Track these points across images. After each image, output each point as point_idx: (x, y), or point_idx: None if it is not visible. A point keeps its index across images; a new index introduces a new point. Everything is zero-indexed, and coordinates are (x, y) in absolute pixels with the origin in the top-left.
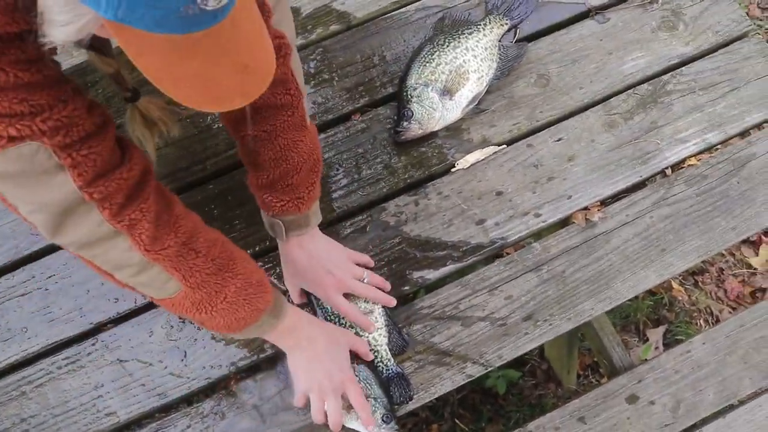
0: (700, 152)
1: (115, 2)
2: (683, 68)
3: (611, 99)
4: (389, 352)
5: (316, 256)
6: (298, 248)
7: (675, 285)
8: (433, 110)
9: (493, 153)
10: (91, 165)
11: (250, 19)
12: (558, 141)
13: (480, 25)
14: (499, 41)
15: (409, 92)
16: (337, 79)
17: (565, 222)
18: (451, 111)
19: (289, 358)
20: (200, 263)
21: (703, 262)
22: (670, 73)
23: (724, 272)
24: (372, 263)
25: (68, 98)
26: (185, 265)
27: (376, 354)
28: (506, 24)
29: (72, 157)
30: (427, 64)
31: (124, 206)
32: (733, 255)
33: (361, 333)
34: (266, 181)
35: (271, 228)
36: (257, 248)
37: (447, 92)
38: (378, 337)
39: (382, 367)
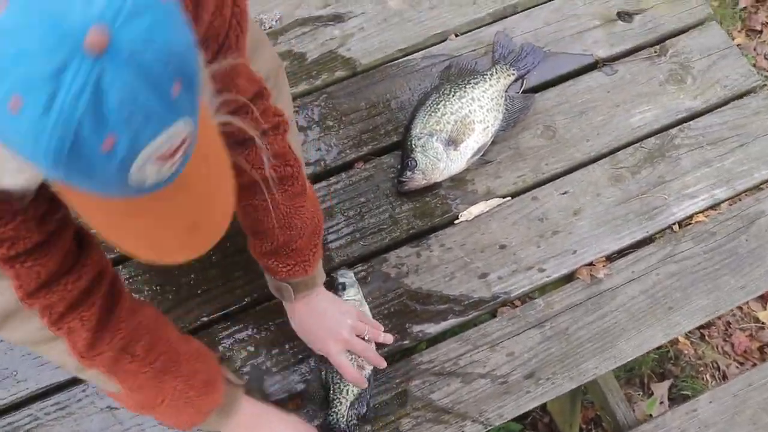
0: (708, 208)
1: (53, 170)
2: (691, 122)
3: (618, 152)
4: (349, 411)
5: (322, 314)
6: (305, 307)
7: (681, 338)
8: (438, 161)
9: (498, 205)
10: (35, 277)
11: (205, 177)
12: (564, 194)
13: (487, 74)
14: (506, 92)
15: (413, 142)
16: (341, 125)
17: (569, 277)
18: (456, 162)
19: None
20: (136, 367)
21: None
22: (678, 127)
23: (731, 326)
24: (381, 329)
25: (18, 210)
26: (120, 369)
27: (338, 404)
28: (513, 74)
29: (15, 268)
30: (433, 114)
31: (64, 315)
32: (741, 309)
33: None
34: (270, 248)
35: (278, 291)
36: (255, 295)
37: (452, 143)
38: (351, 391)
39: (334, 419)
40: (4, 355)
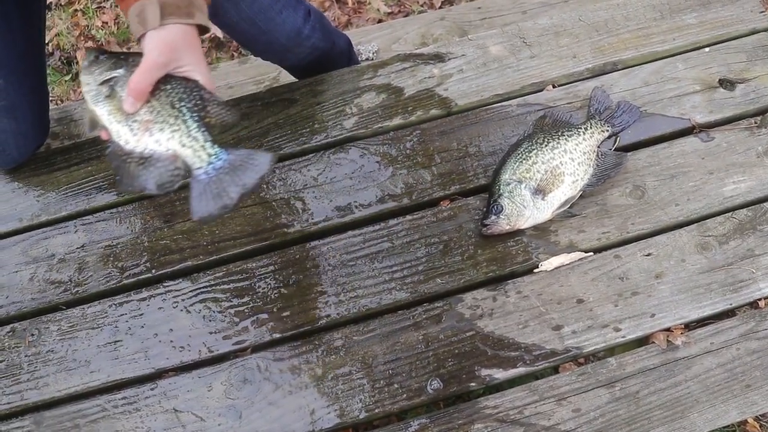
0: None
1: None
2: None
3: (707, 220)
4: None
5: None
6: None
7: (750, 419)
8: (524, 208)
9: (579, 259)
10: None
11: None
12: (647, 256)
13: (581, 128)
14: (598, 147)
15: (501, 186)
16: (431, 163)
17: (644, 341)
18: (542, 211)
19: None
20: None
21: None
22: None
23: None
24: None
25: None
26: None
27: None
28: (607, 131)
29: None
30: (524, 161)
31: None
32: None
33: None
34: None
35: (139, 15)
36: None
37: (540, 192)
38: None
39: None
40: (82, 343)
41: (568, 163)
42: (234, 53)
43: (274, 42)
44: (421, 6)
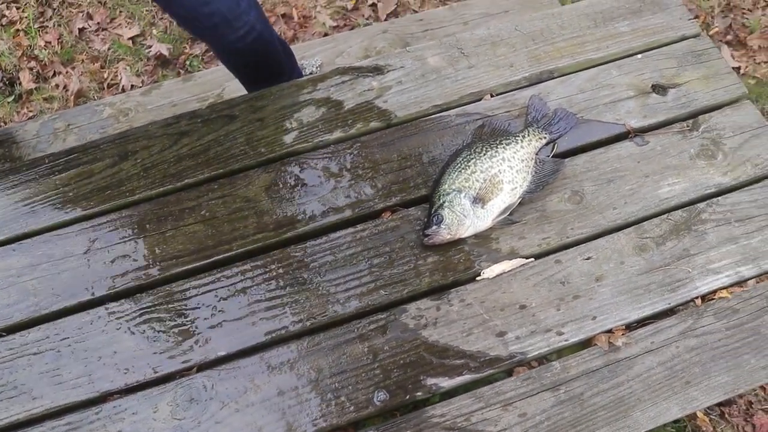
0: (732, 285)
1: None
2: (720, 198)
3: (644, 222)
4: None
5: None
6: None
7: (700, 414)
8: (464, 217)
9: (521, 265)
10: None
11: None
12: (587, 260)
13: (519, 136)
14: (536, 154)
15: (441, 196)
16: (371, 175)
17: (587, 343)
18: (482, 219)
19: None
20: None
21: None
22: (705, 202)
23: (753, 406)
24: None
25: None
26: None
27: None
28: (545, 138)
29: None
30: (462, 171)
31: None
32: (764, 389)
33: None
34: None
35: None
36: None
37: (479, 200)
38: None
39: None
40: (23, 370)
41: (507, 171)
42: (180, 71)
43: (216, 13)
44: (367, 20)
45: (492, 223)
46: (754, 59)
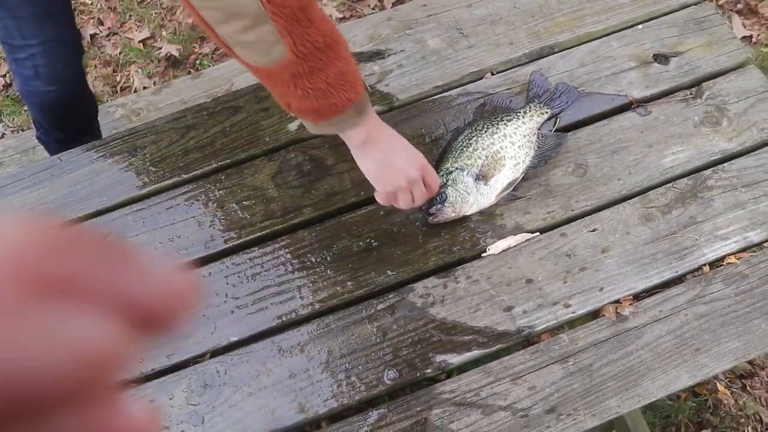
0: (741, 251)
1: None
2: (725, 164)
3: (649, 192)
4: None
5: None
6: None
7: (721, 387)
8: (467, 194)
9: (526, 240)
10: None
11: None
12: (593, 231)
13: (520, 112)
14: (539, 129)
15: (444, 175)
16: None
17: (595, 314)
18: (486, 196)
19: (362, 157)
20: (312, 33)
21: (752, 365)
22: (711, 169)
23: None
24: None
25: None
26: (299, 30)
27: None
28: (546, 113)
29: None
30: (464, 149)
31: None
32: None
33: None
34: None
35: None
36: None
37: (482, 177)
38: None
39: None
40: None
41: (509, 147)
42: (191, 70)
43: None
44: (372, 9)
45: (496, 200)
46: (767, 27)
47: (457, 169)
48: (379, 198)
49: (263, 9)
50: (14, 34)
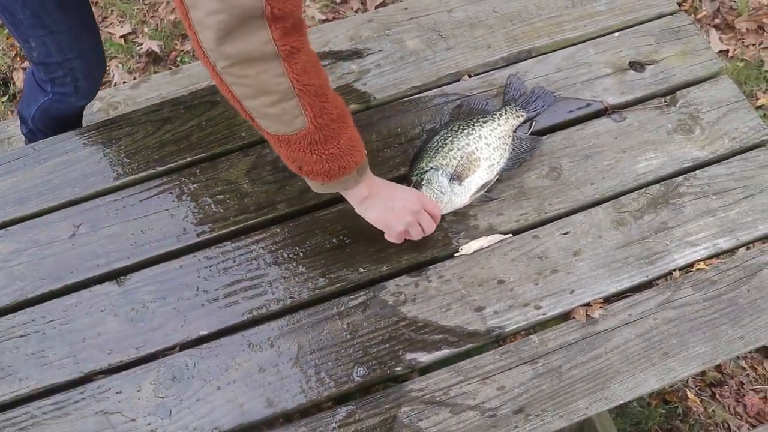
0: (710, 257)
1: None
2: (697, 171)
3: (622, 197)
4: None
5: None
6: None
7: (690, 395)
8: (441, 194)
9: (499, 241)
10: None
11: None
12: (565, 234)
13: (496, 114)
14: (514, 132)
15: (419, 175)
16: None
17: (565, 317)
18: (459, 196)
19: (366, 210)
20: (329, 107)
21: (722, 373)
22: (683, 176)
23: (744, 386)
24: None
25: None
26: (319, 105)
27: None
28: (522, 116)
29: None
30: (440, 149)
31: (290, 32)
32: (755, 369)
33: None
34: None
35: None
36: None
37: (456, 177)
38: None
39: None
40: (9, 353)
41: (484, 148)
42: (171, 66)
43: None
44: (355, 12)
45: (470, 200)
46: (743, 42)
47: (432, 168)
48: (392, 239)
49: (292, 87)
50: (53, 52)
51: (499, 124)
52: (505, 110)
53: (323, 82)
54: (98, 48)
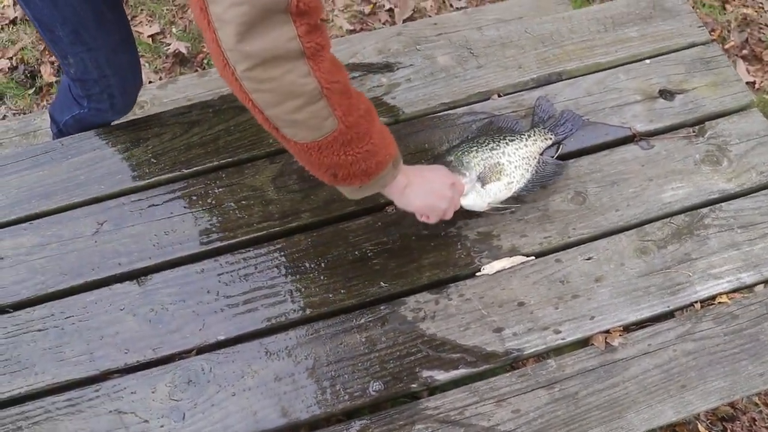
0: (733, 291)
1: None
2: (723, 204)
3: (646, 225)
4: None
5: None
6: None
7: (701, 429)
8: (467, 176)
9: (521, 263)
10: None
11: None
12: (588, 260)
13: (524, 135)
14: (540, 155)
15: (452, 154)
16: None
17: (584, 342)
18: (479, 196)
19: (408, 200)
20: (356, 103)
21: (734, 408)
22: (709, 207)
23: (756, 423)
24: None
25: None
26: (346, 102)
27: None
28: (550, 139)
29: None
30: (466, 153)
31: (314, 30)
32: None
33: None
34: None
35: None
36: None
37: (480, 180)
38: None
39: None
40: (27, 346)
41: (506, 165)
42: (198, 69)
43: None
44: (383, 24)
45: (486, 208)
46: None
47: (464, 158)
48: (433, 220)
49: (319, 87)
50: (90, 69)
51: (525, 145)
52: (534, 131)
53: (346, 79)
54: (135, 65)
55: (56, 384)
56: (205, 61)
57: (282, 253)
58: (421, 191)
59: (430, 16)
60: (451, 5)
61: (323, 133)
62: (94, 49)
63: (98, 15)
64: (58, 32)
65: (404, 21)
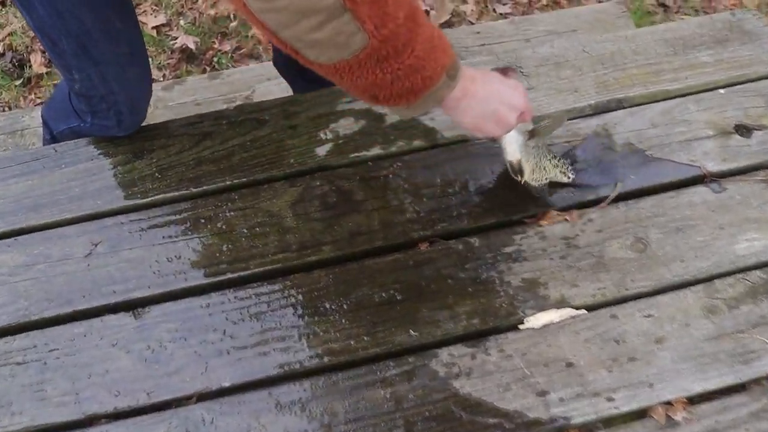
0: None
1: None
2: None
3: (716, 280)
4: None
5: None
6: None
7: None
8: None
9: (571, 317)
10: None
11: None
12: (647, 317)
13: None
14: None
15: None
16: (411, 200)
17: (641, 414)
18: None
19: (460, 116)
20: (392, 10)
21: None
22: None
23: None
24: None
25: None
26: (378, 11)
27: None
28: (569, 178)
29: None
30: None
31: None
32: None
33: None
34: None
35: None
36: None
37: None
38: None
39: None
40: (4, 381)
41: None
42: (206, 67)
43: None
44: None
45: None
46: None
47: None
48: (488, 138)
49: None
50: (97, 84)
51: (543, 166)
52: (559, 161)
53: None
54: (146, 77)
55: (35, 427)
56: (215, 59)
57: (299, 291)
58: (477, 108)
59: (471, 23)
60: (494, 10)
61: (352, 51)
62: (102, 63)
63: (106, 25)
64: (62, 45)
65: (441, 26)
